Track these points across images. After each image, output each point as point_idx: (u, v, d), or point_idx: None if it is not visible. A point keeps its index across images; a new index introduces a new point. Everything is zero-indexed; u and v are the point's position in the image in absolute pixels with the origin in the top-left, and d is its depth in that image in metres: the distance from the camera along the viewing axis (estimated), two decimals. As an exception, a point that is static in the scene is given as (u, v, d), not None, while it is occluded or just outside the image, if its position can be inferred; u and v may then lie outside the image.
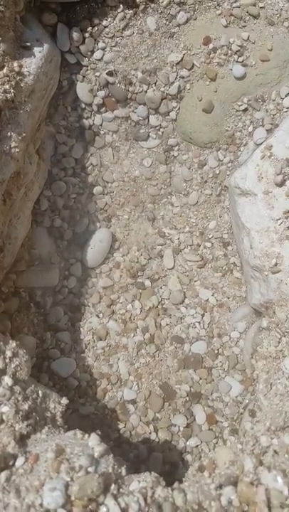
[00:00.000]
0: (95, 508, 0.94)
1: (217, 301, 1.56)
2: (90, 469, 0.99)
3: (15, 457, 1.01)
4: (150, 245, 1.61)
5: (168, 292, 1.56)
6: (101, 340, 1.51)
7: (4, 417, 1.05)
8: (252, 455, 1.08)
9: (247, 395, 1.43)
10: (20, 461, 1.00)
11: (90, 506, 0.92)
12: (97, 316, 1.53)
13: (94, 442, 1.05)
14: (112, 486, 0.98)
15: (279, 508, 0.98)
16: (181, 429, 1.44)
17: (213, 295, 1.56)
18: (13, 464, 1.00)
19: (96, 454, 1.03)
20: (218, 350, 1.51)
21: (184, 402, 1.46)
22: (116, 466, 1.02)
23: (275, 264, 1.30)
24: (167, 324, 1.54)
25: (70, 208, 1.60)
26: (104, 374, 1.46)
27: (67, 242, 1.58)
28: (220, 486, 1.05)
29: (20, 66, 1.33)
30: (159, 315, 1.55)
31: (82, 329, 1.52)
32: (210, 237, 1.60)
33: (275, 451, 1.12)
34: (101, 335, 1.51)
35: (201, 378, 1.48)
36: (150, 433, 1.43)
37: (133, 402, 1.45)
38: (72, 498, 0.92)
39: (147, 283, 1.57)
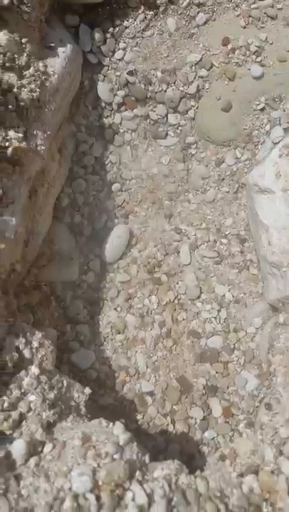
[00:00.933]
0: (122, 493, 0.96)
1: (233, 296, 1.58)
2: (115, 456, 1.01)
3: (43, 444, 1.04)
4: (167, 241, 1.63)
5: (184, 287, 1.58)
6: (119, 333, 1.53)
7: (32, 405, 1.08)
8: (272, 445, 1.09)
9: (263, 388, 1.45)
10: (48, 447, 1.03)
11: (117, 491, 0.94)
12: (115, 309, 1.56)
13: (119, 430, 1.07)
14: (137, 473, 1.00)
15: None
16: (198, 421, 1.46)
17: (229, 291, 1.58)
18: (42, 451, 1.02)
19: (121, 442, 1.05)
20: (234, 345, 1.53)
21: (201, 395, 1.48)
22: (140, 454, 1.04)
23: None
24: (184, 319, 1.56)
25: (89, 204, 1.63)
26: (123, 366, 1.49)
27: (87, 238, 1.61)
28: (241, 475, 1.07)
29: (46, 66, 1.35)
30: (175, 310, 1.57)
31: (100, 322, 1.54)
32: (227, 233, 1.61)
33: None
34: (119, 328, 1.53)
35: (217, 372, 1.50)
36: (168, 425, 1.46)
37: (151, 394, 1.47)
38: (100, 483, 0.95)
39: (164, 278, 1.59)
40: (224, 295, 1.57)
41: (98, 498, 0.91)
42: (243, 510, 0.96)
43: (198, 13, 1.55)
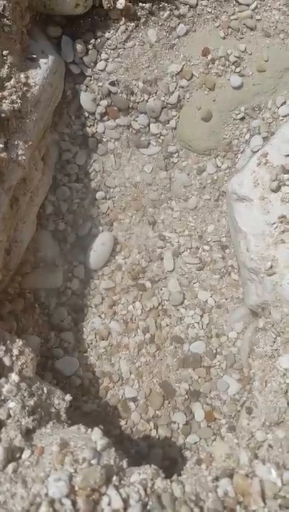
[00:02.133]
0: (98, 498, 0.98)
1: (215, 302, 1.61)
2: (92, 461, 1.03)
3: (21, 450, 1.05)
4: (151, 248, 1.66)
5: (168, 294, 1.61)
6: (103, 340, 1.55)
7: (11, 412, 1.10)
8: (247, 449, 1.11)
9: (244, 393, 1.47)
10: (26, 453, 1.04)
11: (93, 496, 0.96)
12: (100, 316, 1.58)
13: (96, 436, 1.08)
14: (114, 478, 1.02)
15: (273, 499, 1.02)
16: (181, 426, 1.48)
17: (211, 296, 1.61)
18: (20, 457, 1.04)
19: (99, 447, 1.07)
20: (216, 349, 1.55)
21: (184, 400, 1.50)
22: (117, 459, 1.06)
23: (271, 267, 1.34)
24: (167, 325, 1.58)
25: (73, 212, 1.65)
26: (106, 373, 1.50)
27: (71, 245, 1.63)
28: (216, 478, 1.08)
29: (27, 77, 1.38)
30: (159, 315, 1.59)
31: (84, 329, 1.56)
32: (208, 240, 1.64)
33: (270, 445, 1.16)
34: (103, 335, 1.55)
35: (199, 377, 1.52)
36: (150, 430, 1.47)
37: (134, 399, 1.49)
38: (76, 488, 0.96)
39: (148, 285, 1.62)
40: (206, 300, 1.60)
41: (74, 503, 0.93)
42: None
43: (178, 24, 1.58)
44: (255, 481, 1.02)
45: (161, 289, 1.62)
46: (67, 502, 0.93)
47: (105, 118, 1.64)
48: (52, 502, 0.93)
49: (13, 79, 1.33)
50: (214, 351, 1.54)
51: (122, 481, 1.01)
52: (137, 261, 1.63)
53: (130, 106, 1.62)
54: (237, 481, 1.04)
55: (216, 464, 1.10)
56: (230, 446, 1.10)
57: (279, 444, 1.07)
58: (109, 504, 0.96)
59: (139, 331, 1.56)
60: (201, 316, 1.59)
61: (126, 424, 1.46)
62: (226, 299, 1.58)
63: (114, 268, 1.63)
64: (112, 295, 1.60)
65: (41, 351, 1.48)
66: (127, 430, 1.47)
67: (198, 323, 1.57)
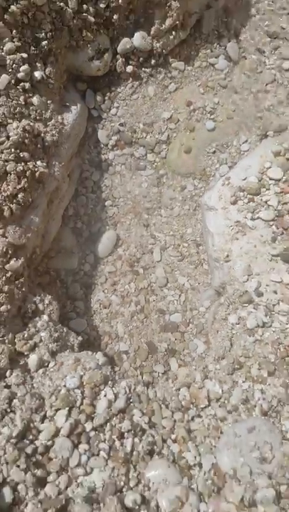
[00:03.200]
0: (98, 391, 1.42)
1: (190, 285, 2.07)
2: (96, 369, 1.47)
3: (48, 362, 1.50)
4: (144, 244, 2.13)
5: (155, 278, 2.07)
6: (105, 308, 2.01)
7: (42, 338, 1.55)
8: (201, 372, 1.55)
9: (208, 351, 1.92)
10: (51, 364, 1.49)
11: (94, 389, 1.40)
12: (103, 291, 2.04)
13: (99, 356, 1.54)
14: (109, 382, 1.46)
15: (215, 402, 1.45)
16: (160, 374, 1.92)
17: (188, 281, 2.07)
18: (47, 366, 1.49)
19: (100, 362, 1.52)
20: (189, 320, 2.00)
21: (163, 355, 1.94)
22: (112, 372, 1.51)
23: (227, 256, 1.81)
24: (154, 300, 2.04)
25: (88, 214, 2.14)
26: (107, 332, 1.96)
27: (85, 239, 2.11)
28: (178, 389, 1.52)
29: (62, 118, 1.90)
30: (148, 294, 2.05)
31: (92, 300, 2.02)
32: (187, 239, 2.11)
33: (216, 369, 1.58)
34: (105, 305, 2.01)
35: (176, 339, 1.97)
36: (137, 376, 1.91)
37: (126, 352, 1.93)
38: (84, 383, 1.40)
39: (140, 271, 2.08)
40: (184, 284, 2.06)
41: (82, 392, 1.37)
42: (177, 409, 1.41)
43: (170, 83, 2.12)
44: (204, 390, 1.46)
45: (150, 275, 2.08)
46: (78, 391, 1.38)
47: (115, 148, 2.16)
48: (68, 390, 1.38)
49: (53, 119, 1.86)
50: (188, 321, 1.99)
51: (115, 384, 1.46)
52: (134, 253, 2.11)
53: (133, 141, 2.15)
54: (192, 390, 1.48)
55: (179, 380, 1.53)
56: (190, 370, 1.54)
57: (222, 369, 1.50)
58: (105, 395, 1.40)
59: (132, 303, 2.02)
60: (180, 295, 2.04)
61: (119, 370, 1.90)
62: (199, 283, 2.05)
63: (116, 257, 2.11)
64: (114, 277, 2.07)
65: (60, 314, 1.95)
66: (119, 375, 1.91)
67: (176, 300, 2.03)
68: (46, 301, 1.57)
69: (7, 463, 1.10)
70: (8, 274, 1.45)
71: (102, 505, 1.08)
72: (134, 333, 1.93)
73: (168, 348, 1.93)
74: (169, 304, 2.01)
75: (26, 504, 1.03)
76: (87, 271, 2.05)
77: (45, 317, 1.52)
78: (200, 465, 1.18)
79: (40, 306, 1.54)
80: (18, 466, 1.10)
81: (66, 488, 1.12)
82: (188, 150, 2.06)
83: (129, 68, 1.99)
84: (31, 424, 1.20)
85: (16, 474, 1.09)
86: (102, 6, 1.87)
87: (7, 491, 1.06)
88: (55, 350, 1.47)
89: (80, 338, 1.60)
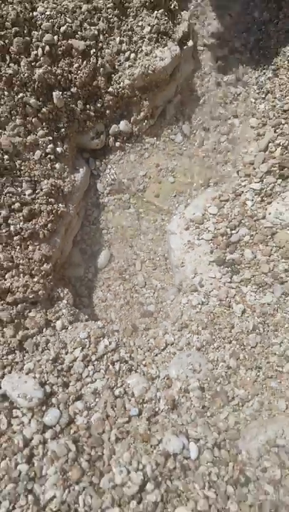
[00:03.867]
0: (99, 340, 2.21)
1: (162, 286, 2.91)
2: (97, 329, 2.27)
3: (68, 326, 2.30)
4: (129, 259, 2.99)
5: (137, 281, 2.92)
6: (103, 302, 2.83)
7: (63, 313, 2.35)
8: (163, 331, 2.36)
9: (168, 319, 2.72)
10: (70, 327, 2.29)
11: (97, 339, 2.20)
12: (101, 291, 2.88)
13: (99, 323, 2.35)
14: (105, 336, 2.27)
15: (170, 345, 2.25)
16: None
17: (159, 283, 2.92)
18: (67, 328, 2.29)
19: (100, 326, 2.32)
20: (160, 309, 2.82)
21: (142, 332, 2.75)
22: (107, 331, 2.32)
23: (182, 263, 2.68)
24: (136, 296, 2.87)
25: (90, 239, 3.01)
26: (103, 318, 2.77)
27: (88, 256, 2.97)
28: (148, 340, 2.34)
29: (74, 177, 2.83)
30: (132, 292, 2.89)
31: (93, 297, 2.85)
32: (158, 254, 2.99)
33: (172, 328, 2.39)
34: (103, 300, 2.84)
35: (150, 322, 2.79)
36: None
37: (117, 331, 2.73)
38: (90, 336, 2.20)
39: (127, 277, 2.93)
40: (156, 285, 2.91)
41: (90, 340, 2.17)
42: (146, 350, 2.22)
43: (145, 152, 3.09)
44: (163, 339, 2.27)
45: (134, 280, 2.94)
46: (86, 340, 2.17)
47: (109, 195, 3.09)
48: (81, 339, 2.17)
49: (68, 178, 2.78)
50: (158, 310, 2.81)
51: (110, 337, 2.25)
52: (122, 265, 2.97)
53: (121, 190, 3.08)
54: (156, 339, 2.29)
55: (149, 335, 2.35)
56: (156, 331, 2.36)
57: (175, 328, 2.32)
58: (103, 342, 2.19)
59: (121, 299, 2.84)
60: (154, 293, 2.88)
61: (113, 343, 2.69)
62: (166, 284, 2.89)
63: (110, 268, 2.96)
64: (108, 281, 2.91)
65: (72, 304, 2.77)
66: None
67: (152, 296, 2.87)
68: (65, 292, 2.41)
69: (46, 373, 1.90)
70: (43, 273, 2.30)
71: (101, 395, 1.87)
72: (123, 318, 2.76)
73: (145, 327, 2.75)
74: (146, 298, 2.85)
75: (58, 384, 1.83)
76: (90, 278, 2.90)
77: (64, 301, 2.36)
78: (158, 376, 1.98)
79: (61, 295, 2.38)
80: (53, 374, 1.90)
81: (80, 389, 1.92)
82: (157, 195, 2.99)
83: (117, 144, 2.96)
84: (59, 355, 2.01)
85: (52, 379, 1.89)
86: (98, 105, 2.86)
87: (47, 387, 1.86)
88: (71, 321, 2.30)
89: (86, 316, 2.43)
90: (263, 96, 2.97)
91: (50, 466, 1.42)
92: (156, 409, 1.75)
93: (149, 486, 1.30)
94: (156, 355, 2.12)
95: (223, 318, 2.16)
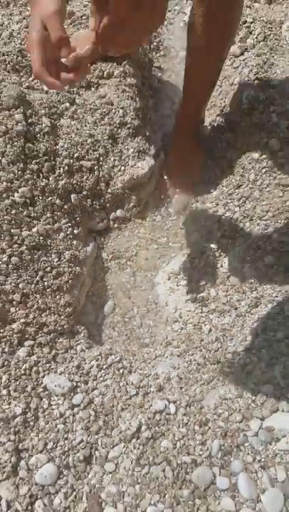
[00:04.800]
0: (109, 355, 2.95)
1: (154, 324, 3.70)
2: None
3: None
4: (128, 306, 3.81)
5: (135, 323, 3.71)
6: (109, 339, 3.59)
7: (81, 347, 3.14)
8: None
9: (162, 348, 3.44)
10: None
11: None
12: (108, 331, 3.66)
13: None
14: None
15: None
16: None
17: (152, 322, 3.70)
18: None
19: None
20: (154, 341, 3.57)
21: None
22: None
23: (166, 303, 3.51)
24: (135, 334, 3.65)
25: (99, 293, 3.89)
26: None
27: (97, 306, 3.81)
28: None
29: (86, 249, 3.83)
30: (132, 331, 3.67)
31: (102, 335, 3.63)
32: (150, 301, 3.83)
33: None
34: (109, 337, 3.61)
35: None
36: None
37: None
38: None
39: (127, 320, 3.71)
40: (150, 324, 3.69)
41: (101, 356, 2.91)
42: None
43: (136, 230, 4.14)
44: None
45: (132, 321, 3.74)
46: (99, 356, 2.91)
47: (111, 260, 4.06)
48: (94, 356, 2.91)
49: (82, 249, 3.78)
50: (152, 341, 3.56)
51: (116, 353, 2.99)
52: (123, 311, 3.80)
53: (120, 257, 4.06)
54: None
55: None
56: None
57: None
58: (111, 358, 2.93)
59: (123, 335, 3.61)
60: (148, 330, 3.66)
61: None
62: (158, 323, 3.68)
63: (114, 314, 3.78)
64: (113, 324, 3.69)
65: None
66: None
67: (147, 332, 3.64)
68: (82, 329, 3.21)
69: (73, 374, 2.66)
70: (66, 314, 3.15)
71: (111, 386, 2.60)
72: (125, 349, 3.52)
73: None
74: (142, 334, 3.61)
75: (80, 381, 2.57)
76: (99, 322, 3.68)
77: (81, 334, 3.16)
78: (150, 374, 2.71)
79: (80, 330, 3.18)
80: (77, 375, 2.66)
81: (96, 384, 2.65)
82: (146, 258, 3.95)
83: (116, 225, 4.02)
84: (81, 365, 2.77)
85: (76, 378, 2.64)
86: (101, 201, 3.97)
87: (73, 382, 2.60)
88: (88, 347, 3.07)
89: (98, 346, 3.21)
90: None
91: (78, 425, 2.18)
92: (148, 391, 2.49)
93: (144, 428, 2.05)
94: (149, 363, 2.87)
95: (196, 336, 2.98)
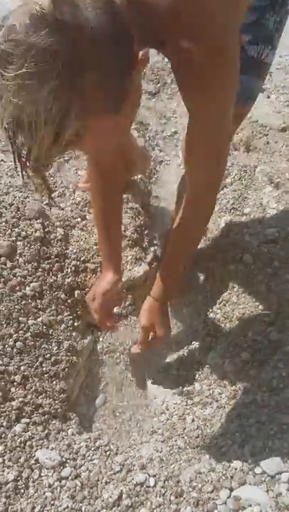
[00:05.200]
0: (98, 440, 3.21)
1: (142, 419, 3.97)
2: None
3: None
4: (120, 400, 4.14)
5: (125, 416, 3.99)
6: (99, 430, 3.84)
7: None
8: None
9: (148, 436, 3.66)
10: None
11: None
12: (98, 423, 3.92)
13: None
14: None
15: None
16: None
17: (140, 417, 3.99)
18: None
19: None
20: (142, 435, 3.81)
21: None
22: None
23: (154, 397, 3.88)
24: (123, 427, 3.90)
25: (92, 386, 4.24)
26: None
27: (90, 398, 4.12)
28: None
29: (84, 341, 4.35)
30: (122, 424, 3.93)
31: (93, 426, 3.88)
32: (141, 396, 4.17)
33: None
34: (99, 429, 3.86)
35: None
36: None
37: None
38: None
39: (118, 414, 4.03)
40: (138, 418, 3.97)
41: (90, 441, 3.18)
42: None
43: (132, 328, 4.74)
44: None
45: (122, 415, 4.02)
46: (89, 441, 3.18)
47: (106, 354, 4.54)
48: (84, 439, 3.18)
49: (80, 341, 4.32)
50: (141, 435, 3.80)
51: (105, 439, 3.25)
52: (114, 405, 4.10)
53: (113, 350, 4.57)
54: None
55: None
56: None
57: None
58: (99, 442, 3.20)
59: (113, 429, 3.86)
60: (136, 424, 3.93)
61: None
62: (146, 417, 3.97)
63: (105, 408, 4.09)
64: (104, 417, 3.94)
65: None
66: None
67: (135, 426, 3.90)
68: (73, 416, 3.56)
69: (64, 451, 2.97)
70: (60, 399, 3.53)
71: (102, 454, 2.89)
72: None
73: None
74: (132, 428, 3.89)
75: (69, 458, 2.88)
76: (90, 414, 3.96)
77: (73, 421, 3.47)
78: (135, 455, 2.99)
79: (71, 417, 3.52)
80: (67, 452, 2.97)
81: (83, 464, 2.94)
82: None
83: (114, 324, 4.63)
84: (71, 443, 3.08)
85: (66, 455, 2.95)
86: None
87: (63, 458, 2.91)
88: (78, 432, 3.38)
89: (87, 432, 3.49)
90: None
91: (65, 493, 2.52)
92: (131, 469, 2.84)
93: (124, 497, 2.39)
94: (134, 448, 3.17)
95: (179, 425, 3.36)
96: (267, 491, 1.83)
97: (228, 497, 1.98)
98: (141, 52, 1.31)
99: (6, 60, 1.03)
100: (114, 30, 1.18)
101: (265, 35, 1.99)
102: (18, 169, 1.17)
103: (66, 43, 1.05)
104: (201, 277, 3.65)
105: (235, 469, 2.32)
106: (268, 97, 4.53)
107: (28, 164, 1.18)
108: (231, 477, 2.29)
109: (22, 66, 1.01)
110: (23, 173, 1.19)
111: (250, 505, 1.84)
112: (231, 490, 2.04)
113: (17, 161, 1.18)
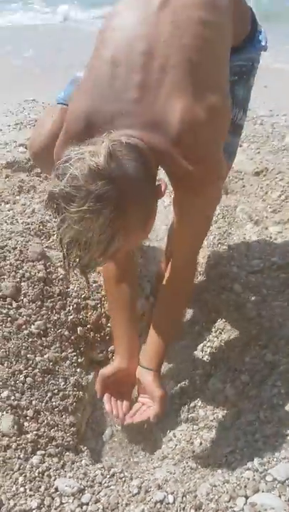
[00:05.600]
0: (112, 468, 3.42)
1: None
2: None
3: None
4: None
5: (132, 447, 4.21)
6: (107, 462, 4.04)
7: None
8: None
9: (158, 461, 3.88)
10: None
11: None
12: (107, 456, 4.11)
13: None
14: None
15: None
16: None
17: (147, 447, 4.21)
18: None
19: None
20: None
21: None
22: None
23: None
24: (131, 458, 4.11)
25: (98, 421, 4.40)
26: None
27: (97, 433, 4.27)
28: None
29: (88, 377, 4.61)
30: (130, 456, 4.14)
31: (102, 460, 4.07)
32: (146, 425, 4.41)
33: None
34: (107, 461, 4.06)
35: None
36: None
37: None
38: None
39: (124, 445, 4.25)
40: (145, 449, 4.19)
41: (105, 471, 3.40)
42: None
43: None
44: None
45: (130, 447, 4.24)
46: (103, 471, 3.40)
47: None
48: (97, 469, 3.40)
49: (84, 377, 4.58)
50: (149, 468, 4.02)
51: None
52: (122, 439, 4.32)
53: None
54: None
55: None
56: None
57: None
58: (113, 470, 3.41)
59: (121, 460, 4.07)
60: (144, 453, 4.14)
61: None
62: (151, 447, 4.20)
63: (112, 441, 4.28)
64: (112, 450, 4.10)
65: None
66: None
67: (143, 456, 4.12)
68: (84, 448, 3.78)
69: (79, 478, 3.20)
70: (71, 432, 3.75)
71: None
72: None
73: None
74: (140, 458, 4.10)
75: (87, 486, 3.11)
76: (98, 448, 4.02)
77: (84, 453, 3.68)
78: (150, 478, 3.24)
79: (83, 449, 3.74)
80: (80, 478, 3.20)
81: (93, 481, 3.17)
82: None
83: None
84: (87, 473, 3.31)
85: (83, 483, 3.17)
86: (102, 334, 4.99)
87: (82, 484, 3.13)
88: (89, 464, 3.59)
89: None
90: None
91: None
92: (149, 490, 3.08)
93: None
94: (148, 472, 3.41)
95: (188, 448, 3.64)
96: (279, 496, 2.11)
97: (245, 504, 2.27)
98: (163, 186, 1.81)
99: (70, 199, 1.47)
100: (145, 173, 1.70)
101: (237, 102, 2.64)
102: (67, 268, 1.63)
103: (116, 190, 1.52)
104: (196, 309, 4.08)
105: (248, 479, 2.64)
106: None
107: (76, 268, 1.63)
108: (245, 486, 2.60)
109: (83, 205, 1.44)
110: (71, 271, 1.68)
111: (266, 510, 2.00)
112: (247, 497, 2.33)
113: (67, 266, 1.62)
